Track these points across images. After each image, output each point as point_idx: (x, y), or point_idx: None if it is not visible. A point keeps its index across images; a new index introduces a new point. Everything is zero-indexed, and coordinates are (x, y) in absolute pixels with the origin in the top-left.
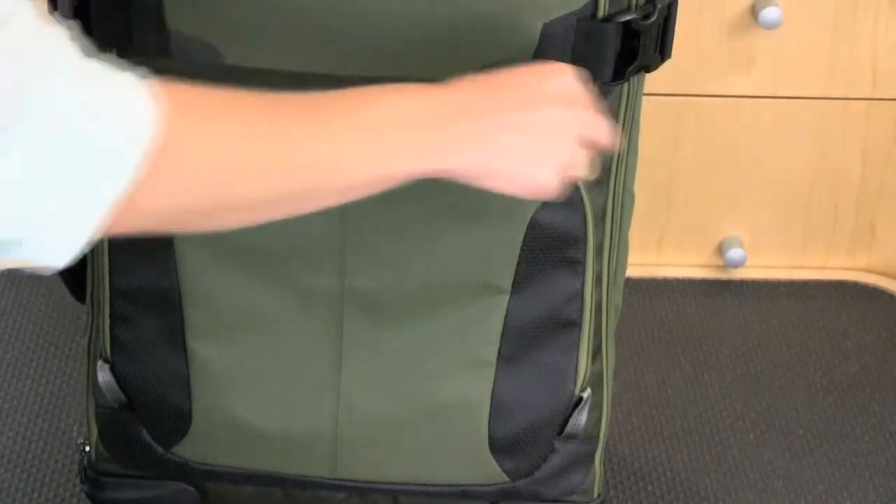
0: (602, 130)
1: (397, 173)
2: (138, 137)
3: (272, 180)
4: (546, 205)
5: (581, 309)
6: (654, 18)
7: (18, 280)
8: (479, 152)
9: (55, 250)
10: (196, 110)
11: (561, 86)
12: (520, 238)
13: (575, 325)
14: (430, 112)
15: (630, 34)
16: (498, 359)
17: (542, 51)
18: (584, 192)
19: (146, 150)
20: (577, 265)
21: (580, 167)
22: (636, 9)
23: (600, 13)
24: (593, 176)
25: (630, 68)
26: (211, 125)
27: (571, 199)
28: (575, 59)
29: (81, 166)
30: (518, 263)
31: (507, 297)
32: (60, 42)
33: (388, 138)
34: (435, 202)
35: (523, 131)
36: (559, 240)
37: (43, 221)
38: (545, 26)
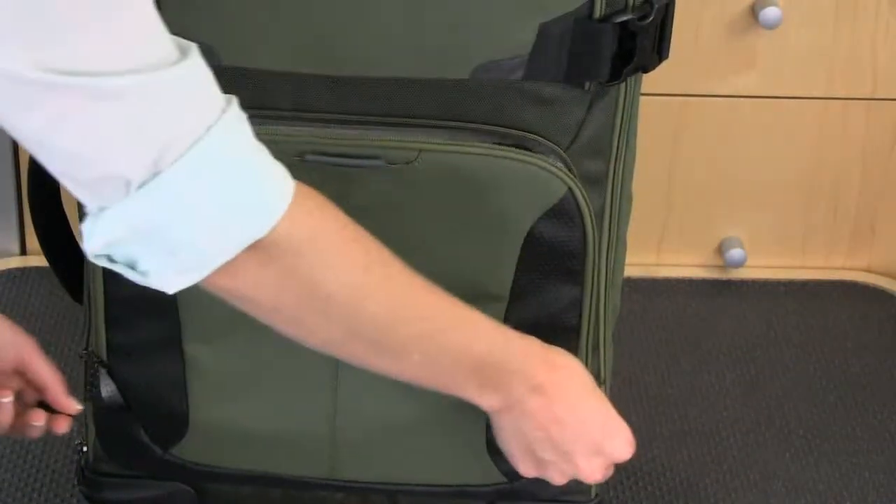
0: (621, 458)
1: (449, 385)
2: (273, 209)
3: (359, 309)
4: (545, 217)
5: (580, 316)
6: (650, 19)
7: (18, 280)
8: (522, 433)
9: (170, 282)
10: (326, 216)
11: (614, 447)
12: (517, 249)
13: (573, 330)
14: (519, 381)
15: (627, 34)
16: None
17: (539, 51)
18: (584, 209)
19: (275, 221)
20: (575, 275)
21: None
22: (633, 9)
23: (597, 13)
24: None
25: (627, 68)
26: (334, 234)
27: (572, 215)
28: (571, 59)
29: (221, 212)
30: (516, 273)
31: (504, 305)
32: (234, 103)
33: (478, 362)
34: (433, 212)
35: (562, 458)
36: (558, 252)
37: (169, 256)
38: (542, 27)
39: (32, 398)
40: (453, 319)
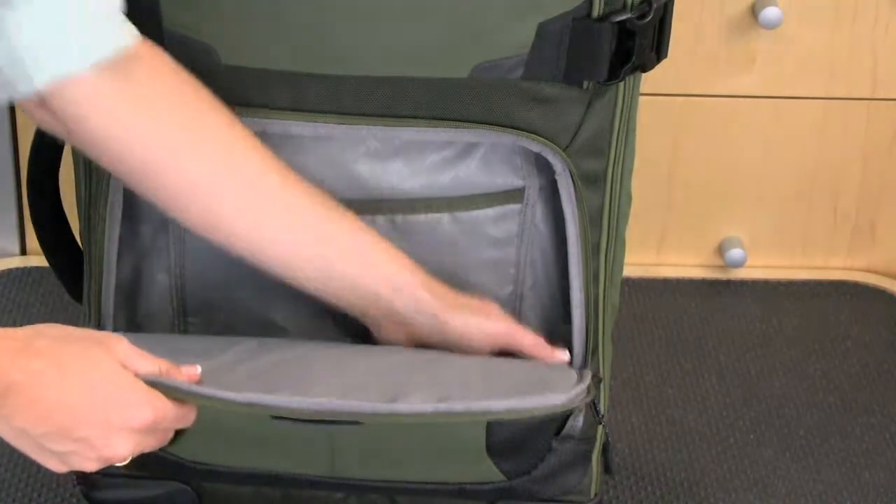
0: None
1: None
2: (118, 43)
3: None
4: None
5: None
6: (649, 18)
7: (18, 280)
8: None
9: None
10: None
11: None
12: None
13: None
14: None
15: (625, 34)
16: None
17: (538, 51)
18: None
19: (116, 55)
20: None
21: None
22: (632, 8)
23: (595, 13)
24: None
25: (626, 68)
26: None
27: None
28: (570, 58)
29: (77, 27)
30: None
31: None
32: None
33: None
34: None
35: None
36: None
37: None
38: (540, 26)
39: None
40: None
